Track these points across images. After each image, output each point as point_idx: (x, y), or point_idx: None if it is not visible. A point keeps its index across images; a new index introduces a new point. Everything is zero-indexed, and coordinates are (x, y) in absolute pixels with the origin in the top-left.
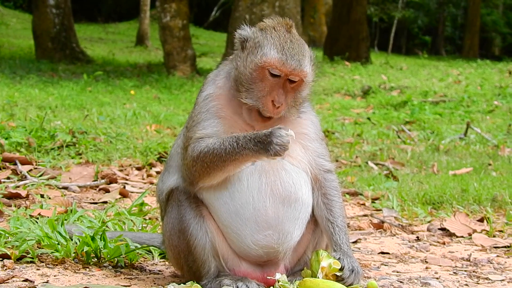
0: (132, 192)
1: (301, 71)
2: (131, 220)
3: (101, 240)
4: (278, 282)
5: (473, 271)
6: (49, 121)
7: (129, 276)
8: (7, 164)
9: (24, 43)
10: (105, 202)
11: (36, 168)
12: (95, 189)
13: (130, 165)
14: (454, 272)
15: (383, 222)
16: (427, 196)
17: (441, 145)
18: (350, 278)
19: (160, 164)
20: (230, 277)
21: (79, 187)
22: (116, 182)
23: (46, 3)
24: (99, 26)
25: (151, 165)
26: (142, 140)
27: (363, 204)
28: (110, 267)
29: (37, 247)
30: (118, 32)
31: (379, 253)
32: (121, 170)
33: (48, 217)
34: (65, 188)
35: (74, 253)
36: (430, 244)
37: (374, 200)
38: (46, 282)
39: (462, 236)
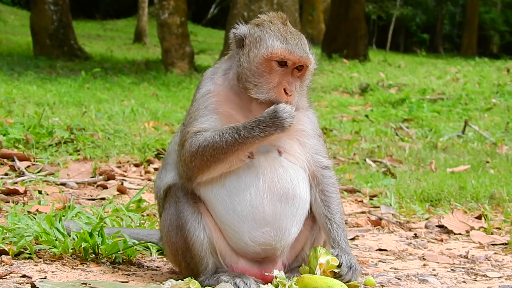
0: (130, 189)
1: (307, 58)
2: (129, 217)
3: (99, 236)
4: (276, 278)
5: (471, 268)
6: (47, 117)
7: (127, 272)
8: (5, 160)
9: (22, 40)
10: (103, 199)
11: (34, 165)
12: (93, 186)
13: (128, 161)
14: (451, 269)
15: (381, 219)
16: (425, 194)
17: (439, 142)
18: (348, 275)
19: (158, 161)
20: (227, 273)
21: (77, 183)
22: (114, 179)
23: (44, 0)
24: (97, 23)
25: (149, 162)
26: (140, 137)
27: (361, 201)
28: (108, 263)
29: (35, 243)
30: (116, 29)
31: (376, 250)
32: (119, 167)
33: (46, 213)
34: (63, 184)
35: (72, 249)
36: (428, 241)
37: (372, 197)
38: (44, 278)
39: (460, 233)
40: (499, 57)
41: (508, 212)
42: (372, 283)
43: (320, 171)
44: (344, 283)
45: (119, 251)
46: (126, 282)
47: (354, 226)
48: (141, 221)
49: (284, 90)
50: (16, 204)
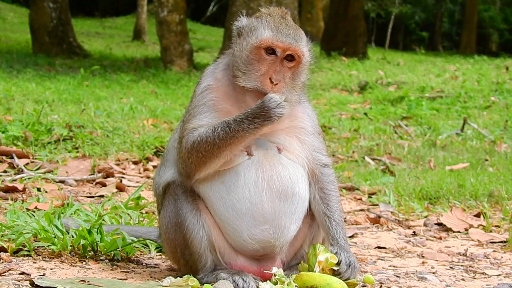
0: (128, 186)
1: (297, 47)
2: (128, 214)
3: (97, 234)
4: (275, 276)
5: (470, 266)
6: (46, 115)
7: (125, 270)
8: (4, 157)
9: (21, 37)
10: (102, 196)
11: (32, 162)
12: (92, 183)
13: (127, 159)
14: (450, 267)
15: (379, 217)
16: (423, 191)
17: (438, 140)
18: (347, 273)
19: (157, 158)
20: (226, 271)
21: (76, 181)
22: (112, 176)
23: None
24: (96, 21)
25: (148, 159)
26: (139, 134)
27: (360, 199)
28: (107, 260)
29: (34, 240)
30: (115, 27)
31: (375, 248)
32: (117, 164)
33: (44, 210)
34: (62, 181)
35: (70, 246)
36: (427, 239)
37: (370, 195)
38: (43, 275)
39: (458, 231)
40: (498, 55)
41: (507, 210)
42: (371, 280)
43: (320, 169)
44: (343, 280)
45: (118, 248)
46: (125, 279)
47: (353, 224)
48: (140, 219)
49: (270, 79)
50: (15, 202)
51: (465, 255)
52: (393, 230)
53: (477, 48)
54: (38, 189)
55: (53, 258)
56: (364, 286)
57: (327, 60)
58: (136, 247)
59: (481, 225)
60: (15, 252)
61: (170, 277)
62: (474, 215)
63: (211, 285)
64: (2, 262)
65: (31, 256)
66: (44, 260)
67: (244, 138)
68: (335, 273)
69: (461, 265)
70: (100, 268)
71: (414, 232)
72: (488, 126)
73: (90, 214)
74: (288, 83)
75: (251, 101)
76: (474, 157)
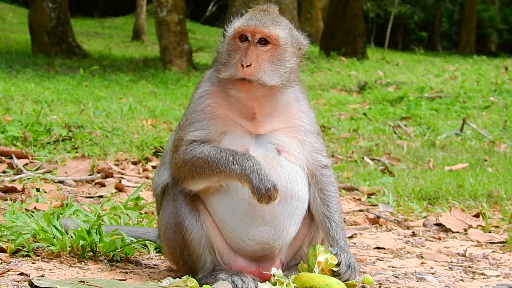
0: (128, 187)
1: (265, 29)
2: (127, 214)
3: (96, 234)
4: (274, 276)
5: (469, 267)
6: (45, 115)
7: (124, 270)
8: (3, 158)
9: (20, 37)
10: (101, 196)
11: (32, 162)
12: (91, 183)
13: (126, 159)
14: (449, 268)
15: (378, 217)
16: (423, 192)
17: (437, 140)
18: (346, 274)
19: (156, 159)
20: (225, 271)
21: (75, 181)
22: (112, 177)
23: None
24: (96, 21)
25: (147, 160)
26: (138, 134)
27: (359, 199)
28: (106, 261)
29: (33, 240)
30: (115, 27)
31: (374, 248)
32: (117, 165)
33: (43, 211)
34: (61, 182)
35: (69, 247)
36: (426, 240)
37: (370, 195)
38: (42, 275)
39: (457, 232)
40: (497, 55)
41: (506, 210)
42: (370, 281)
43: (319, 170)
44: (343, 281)
45: (117, 249)
46: (124, 280)
47: (352, 224)
48: (139, 219)
49: (241, 63)
50: (14, 202)
51: (464, 256)
52: (392, 230)
53: (476, 48)
54: (37, 190)
55: (52, 259)
56: (363, 286)
57: (326, 60)
58: (135, 248)
59: (480, 225)
60: (14, 253)
61: (169, 277)
62: (473, 216)
63: (210, 285)
64: (1, 263)
65: (30, 256)
66: (43, 261)
67: (239, 180)
68: (335, 274)
69: (460, 266)
70: (99, 268)
71: (413, 232)
72: (487, 126)
73: (89, 215)
74: (266, 66)
75: (240, 96)
76: (473, 157)
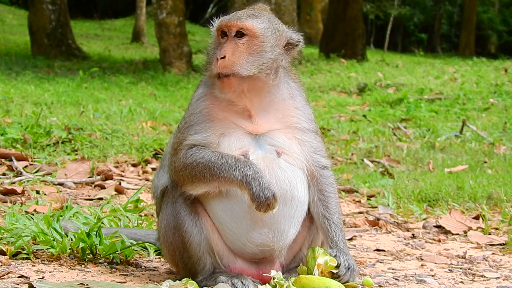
0: (127, 189)
1: (239, 22)
2: (127, 217)
3: (96, 237)
4: (274, 279)
5: (469, 269)
6: (45, 117)
7: (124, 273)
8: (3, 160)
9: (20, 39)
10: (101, 199)
11: (31, 164)
12: (91, 186)
13: (125, 161)
14: (449, 270)
15: (378, 219)
16: (422, 194)
17: (437, 142)
18: (346, 276)
19: (156, 161)
20: (225, 274)
21: (75, 183)
22: (111, 179)
23: (42, 0)
24: (95, 23)
25: (147, 162)
26: (137, 136)
27: (359, 201)
28: (106, 263)
29: (33, 243)
30: (114, 29)
31: (374, 250)
32: (116, 167)
33: (43, 213)
34: (61, 184)
35: (69, 249)
36: (426, 242)
37: (369, 197)
38: (42, 278)
39: (457, 234)
40: (497, 57)
41: (506, 212)
42: (370, 283)
43: (319, 171)
44: (342, 283)
45: (117, 251)
46: (124, 282)
47: (352, 227)
48: (139, 221)
49: (217, 57)
50: (14, 204)
51: (464, 258)
52: (392, 232)
53: (476, 50)
54: (37, 192)
55: (52, 261)
56: None
57: (326, 62)
58: (135, 250)
59: (480, 227)
60: (14, 255)
61: (169, 280)
62: (473, 218)
63: None
64: (1, 265)
65: (30, 259)
66: (43, 263)
67: (240, 187)
68: (334, 276)
69: (460, 268)
70: (99, 271)
71: (413, 234)
72: (487, 128)
73: (89, 217)
74: (242, 58)
75: (227, 96)
76: (473, 159)
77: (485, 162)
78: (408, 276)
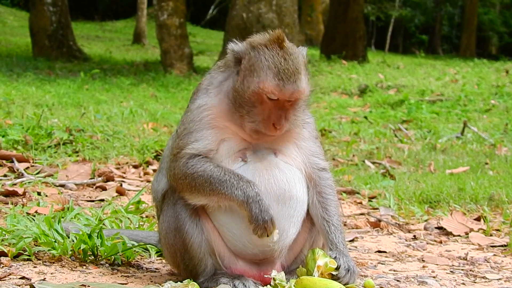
0: (129, 190)
1: (298, 93)
2: (128, 218)
3: (98, 238)
4: (274, 280)
5: (470, 270)
6: (46, 119)
7: (126, 274)
8: (4, 161)
9: (21, 41)
10: (102, 200)
11: (33, 166)
12: (92, 187)
13: (127, 163)
14: (451, 271)
15: (380, 220)
16: (424, 195)
17: (438, 144)
18: (345, 277)
19: (157, 162)
20: (226, 275)
21: (76, 185)
22: (113, 180)
23: (43, 1)
24: (96, 24)
25: (148, 163)
26: (139, 138)
27: (360, 203)
28: (107, 265)
29: (34, 244)
30: (115, 30)
31: (376, 252)
32: (118, 168)
33: (45, 214)
34: (62, 186)
35: (71, 250)
36: (427, 243)
37: (371, 198)
38: (43, 279)
39: (459, 235)
40: (498, 58)
41: (507, 214)
42: (371, 285)
43: (317, 173)
44: (343, 284)
45: (118, 252)
46: (125, 283)
47: (353, 228)
48: (140, 223)
49: (273, 124)
50: (15, 206)
51: (466, 259)
52: (394, 234)
53: (477, 51)
54: (38, 193)
55: (54, 263)
56: None
57: (327, 64)
58: (137, 252)
59: (481, 229)
60: (16, 257)
61: (171, 281)
62: (475, 219)
63: None
64: (3, 267)
65: (31, 260)
66: (44, 265)
67: (239, 205)
68: (334, 278)
69: (462, 269)
70: (100, 272)
71: (414, 236)
72: (488, 130)
73: (90, 218)
74: (290, 118)
75: (247, 131)
76: (474, 160)
77: (487, 163)
78: (409, 277)
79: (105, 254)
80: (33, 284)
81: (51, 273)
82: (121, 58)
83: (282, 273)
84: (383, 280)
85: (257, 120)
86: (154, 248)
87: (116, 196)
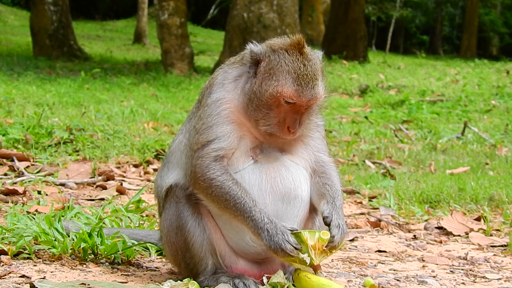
0: (129, 189)
1: (316, 98)
2: (128, 217)
3: (98, 237)
4: (274, 279)
5: (470, 270)
6: (47, 118)
7: (126, 273)
8: (5, 160)
9: (21, 40)
10: (102, 199)
11: (33, 165)
12: (92, 186)
13: (127, 162)
14: (451, 271)
15: (380, 220)
16: (424, 195)
17: (439, 144)
18: (337, 236)
19: (158, 162)
20: (227, 274)
21: (76, 184)
22: (113, 179)
23: (44, 0)
24: (97, 24)
25: (148, 163)
26: (139, 137)
27: (360, 203)
28: (107, 263)
29: (34, 243)
30: (116, 30)
31: (376, 251)
32: (118, 167)
33: (45, 213)
34: (62, 184)
35: (71, 249)
36: (427, 243)
37: (371, 198)
38: (43, 278)
39: (459, 235)
40: (499, 59)
41: (507, 214)
42: (372, 284)
43: (320, 164)
44: (334, 247)
45: (118, 251)
46: (125, 282)
47: (353, 228)
48: (140, 222)
49: (288, 127)
50: (15, 204)
51: (466, 259)
52: (394, 233)
53: (477, 52)
54: (39, 192)
55: (54, 261)
56: None
57: (328, 64)
58: (137, 250)
59: (481, 229)
60: (16, 255)
61: (171, 280)
62: (475, 219)
63: None
64: (3, 265)
65: (31, 259)
66: (44, 263)
67: (250, 227)
68: (329, 244)
69: (462, 269)
70: (100, 271)
71: (414, 235)
72: (488, 130)
73: (90, 217)
74: (305, 122)
75: (261, 132)
76: (474, 161)
77: (487, 163)
78: (409, 277)
79: (105, 252)
80: (33, 283)
81: (51, 272)
82: (121, 57)
83: (281, 272)
84: (383, 280)
85: (272, 123)
86: (154, 247)
87: (117, 195)
